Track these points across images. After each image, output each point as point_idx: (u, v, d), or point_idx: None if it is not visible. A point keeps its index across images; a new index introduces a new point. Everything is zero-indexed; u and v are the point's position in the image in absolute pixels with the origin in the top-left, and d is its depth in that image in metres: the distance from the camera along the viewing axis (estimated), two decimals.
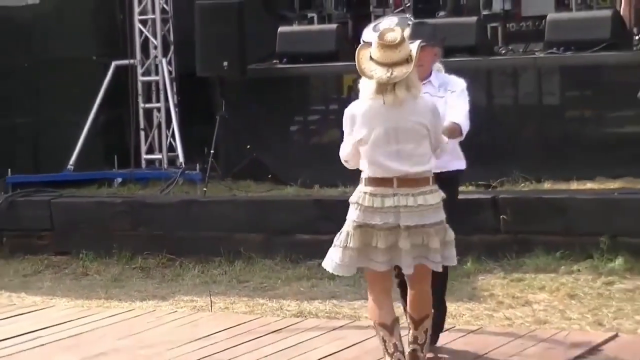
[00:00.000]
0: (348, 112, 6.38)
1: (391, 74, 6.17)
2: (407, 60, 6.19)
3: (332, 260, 6.39)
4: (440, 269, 6.40)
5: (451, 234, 6.43)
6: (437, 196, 6.30)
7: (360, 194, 6.32)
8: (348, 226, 6.33)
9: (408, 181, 6.24)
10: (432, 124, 6.31)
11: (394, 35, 6.19)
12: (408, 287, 6.59)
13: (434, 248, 6.30)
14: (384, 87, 6.20)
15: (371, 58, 6.24)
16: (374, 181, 6.30)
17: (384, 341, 6.42)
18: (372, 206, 6.25)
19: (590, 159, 10.64)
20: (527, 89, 11.62)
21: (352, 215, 6.32)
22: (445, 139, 6.52)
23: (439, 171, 6.49)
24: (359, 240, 6.28)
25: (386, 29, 6.31)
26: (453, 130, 6.71)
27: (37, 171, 12.53)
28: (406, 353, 6.47)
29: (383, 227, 6.23)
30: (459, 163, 7.02)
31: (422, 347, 6.51)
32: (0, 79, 13.18)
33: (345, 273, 6.47)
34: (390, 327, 6.40)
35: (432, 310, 6.58)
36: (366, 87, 6.29)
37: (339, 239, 6.36)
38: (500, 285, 9.02)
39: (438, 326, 7.04)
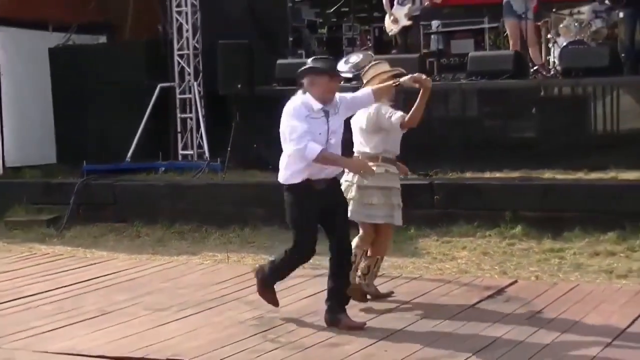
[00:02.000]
0: None
1: None
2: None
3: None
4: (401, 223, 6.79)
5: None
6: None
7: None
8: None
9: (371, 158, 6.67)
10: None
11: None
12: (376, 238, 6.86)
13: (397, 204, 6.70)
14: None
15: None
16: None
17: (355, 255, 6.69)
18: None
19: (499, 156, 10.60)
20: (455, 106, 11.58)
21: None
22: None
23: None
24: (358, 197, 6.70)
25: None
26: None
27: (104, 162, 12.44)
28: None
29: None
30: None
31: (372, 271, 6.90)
32: (78, 96, 13.11)
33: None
34: (365, 250, 6.86)
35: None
36: None
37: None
38: (435, 245, 9.03)
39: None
